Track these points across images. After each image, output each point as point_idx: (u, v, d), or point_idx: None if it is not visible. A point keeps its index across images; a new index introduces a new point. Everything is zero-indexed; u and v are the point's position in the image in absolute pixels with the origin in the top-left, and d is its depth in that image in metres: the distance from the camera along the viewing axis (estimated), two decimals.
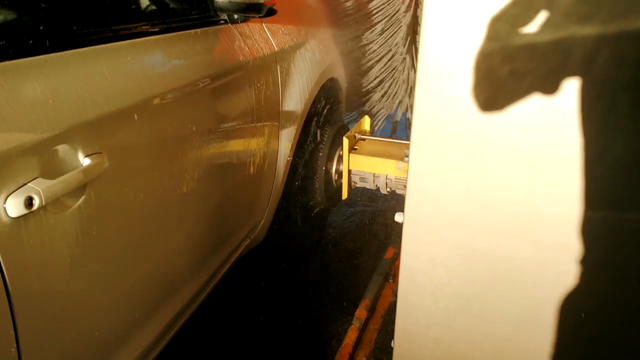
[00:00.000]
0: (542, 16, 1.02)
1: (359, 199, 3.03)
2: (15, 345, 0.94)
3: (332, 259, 2.49)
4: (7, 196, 0.89)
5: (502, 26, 1.06)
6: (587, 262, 1.21)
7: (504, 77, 1.10)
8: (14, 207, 0.89)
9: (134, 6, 1.39)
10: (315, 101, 2.20)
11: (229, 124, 1.59)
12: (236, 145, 1.66)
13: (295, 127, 2.05)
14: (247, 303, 2.13)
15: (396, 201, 2.84)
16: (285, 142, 2.00)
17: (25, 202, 0.90)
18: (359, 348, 1.87)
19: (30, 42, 1.01)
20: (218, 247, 1.70)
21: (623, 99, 1.03)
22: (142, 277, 1.31)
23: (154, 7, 1.45)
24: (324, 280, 2.32)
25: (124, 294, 1.25)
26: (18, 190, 0.90)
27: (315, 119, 2.24)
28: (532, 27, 1.03)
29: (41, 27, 1.07)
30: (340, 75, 2.51)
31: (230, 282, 1.91)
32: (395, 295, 1.60)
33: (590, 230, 1.17)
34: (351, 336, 1.88)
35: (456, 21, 1.11)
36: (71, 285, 1.06)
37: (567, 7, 1.00)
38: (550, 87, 1.08)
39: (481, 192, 1.24)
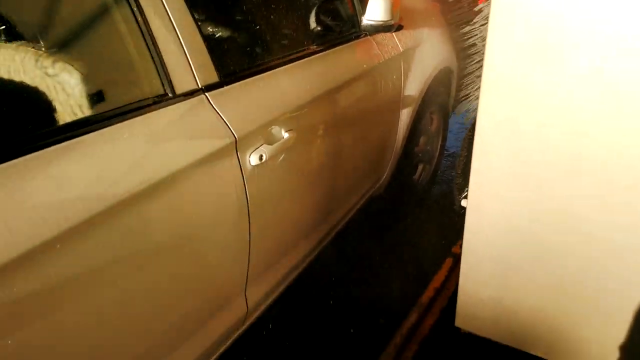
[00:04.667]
0: None
1: None
2: (248, 239, 1.72)
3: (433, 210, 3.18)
4: (250, 154, 1.64)
5: None
6: None
7: None
8: (254, 160, 1.64)
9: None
10: (431, 86, 2.83)
11: (370, 105, 2.31)
12: (373, 119, 2.38)
13: (413, 107, 2.70)
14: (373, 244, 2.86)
15: None
16: (405, 118, 2.66)
17: (259, 157, 1.65)
18: (454, 270, 2.54)
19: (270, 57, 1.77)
20: (356, 189, 2.45)
21: None
22: (314, 203, 2.07)
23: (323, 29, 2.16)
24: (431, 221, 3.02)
25: (301, 215, 2.01)
26: (255, 150, 1.65)
27: (430, 100, 2.88)
28: None
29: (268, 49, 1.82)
30: (453, 63, 3.10)
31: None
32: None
33: None
34: (448, 263, 2.56)
35: (520, 36, 1.51)
36: (277, 204, 1.83)
37: None
38: None
39: (535, 185, 1.69)
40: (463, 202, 1.86)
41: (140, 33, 1.40)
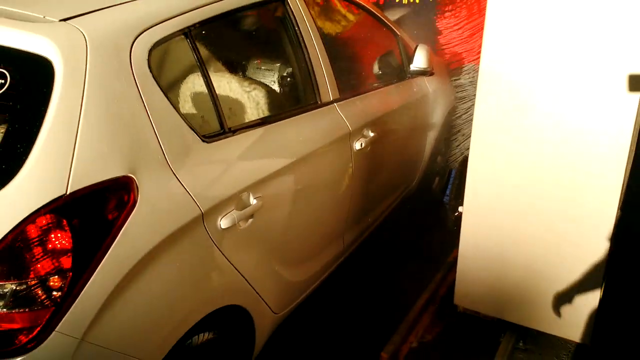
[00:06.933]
0: None
1: None
2: (349, 199, 2.73)
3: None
4: (355, 142, 2.67)
5: None
6: None
7: None
8: (357, 146, 2.66)
9: (380, 74, 3.22)
10: (445, 119, 3.92)
11: (411, 126, 3.38)
12: (412, 137, 3.44)
13: (435, 132, 3.78)
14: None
15: None
16: (431, 139, 3.74)
17: (360, 145, 2.68)
18: None
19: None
20: (401, 184, 3.50)
21: None
22: (383, 184, 3.09)
23: (382, 72, 3.25)
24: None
25: (376, 188, 3.03)
26: (357, 140, 2.68)
27: (445, 129, 3.97)
28: None
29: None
30: (454, 101, 4.22)
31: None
32: None
33: None
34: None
35: (514, 38, 2.12)
36: (366, 178, 2.84)
37: None
38: None
39: (509, 192, 2.33)
40: (460, 209, 2.52)
41: (306, 66, 2.46)
